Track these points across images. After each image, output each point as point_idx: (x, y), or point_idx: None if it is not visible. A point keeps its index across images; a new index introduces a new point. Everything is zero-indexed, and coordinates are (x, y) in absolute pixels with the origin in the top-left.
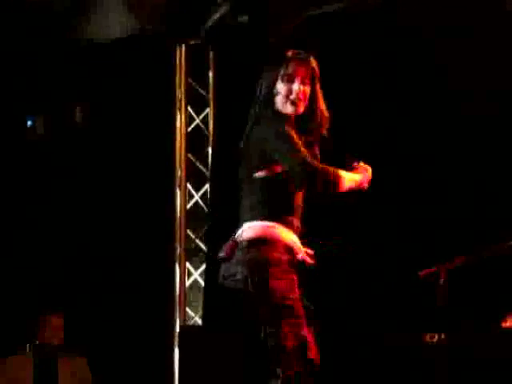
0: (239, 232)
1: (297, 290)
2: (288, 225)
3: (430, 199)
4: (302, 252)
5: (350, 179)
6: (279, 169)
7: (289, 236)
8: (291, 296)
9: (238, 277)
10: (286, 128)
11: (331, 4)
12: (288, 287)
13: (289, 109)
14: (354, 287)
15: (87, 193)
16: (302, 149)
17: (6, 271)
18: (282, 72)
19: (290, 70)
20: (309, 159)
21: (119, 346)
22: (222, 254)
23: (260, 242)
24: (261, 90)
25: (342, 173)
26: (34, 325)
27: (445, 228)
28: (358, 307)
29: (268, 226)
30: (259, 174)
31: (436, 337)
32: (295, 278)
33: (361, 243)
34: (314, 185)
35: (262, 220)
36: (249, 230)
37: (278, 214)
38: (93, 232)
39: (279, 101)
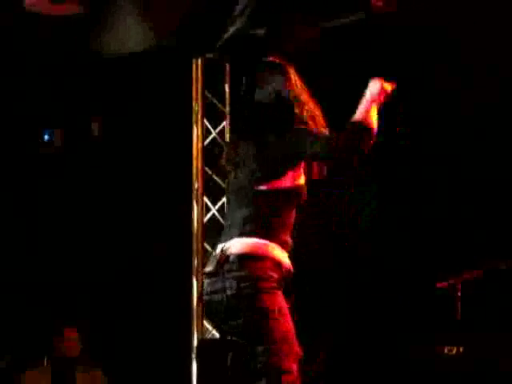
0: (226, 245)
1: (284, 304)
2: (280, 242)
3: (450, 211)
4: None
5: (362, 112)
6: (281, 184)
7: (279, 253)
8: (279, 311)
9: (228, 292)
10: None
11: (345, 17)
12: (276, 303)
13: None
14: (369, 298)
15: (103, 206)
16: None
17: (23, 285)
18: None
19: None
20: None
21: (136, 359)
22: (209, 269)
23: (250, 258)
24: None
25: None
26: (51, 338)
27: (463, 239)
28: (372, 317)
29: (259, 243)
30: (260, 188)
31: (454, 350)
32: (281, 295)
33: (377, 252)
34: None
35: (254, 236)
36: (238, 244)
37: (271, 231)
38: (110, 246)
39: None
